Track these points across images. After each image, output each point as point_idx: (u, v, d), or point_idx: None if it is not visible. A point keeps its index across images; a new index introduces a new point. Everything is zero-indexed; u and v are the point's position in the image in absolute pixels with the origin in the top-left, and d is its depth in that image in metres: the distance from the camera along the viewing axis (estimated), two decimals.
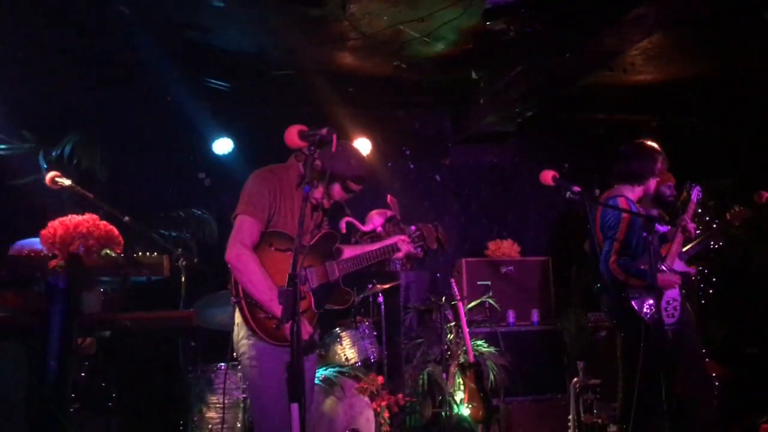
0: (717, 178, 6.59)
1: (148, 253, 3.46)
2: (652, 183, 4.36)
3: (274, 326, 2.88)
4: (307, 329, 2.94)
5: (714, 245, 6.48)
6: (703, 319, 6.31)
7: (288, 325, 2.81)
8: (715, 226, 5.33)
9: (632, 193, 4.29)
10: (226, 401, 4.74)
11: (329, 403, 4.63)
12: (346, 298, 3.18)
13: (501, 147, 6.86)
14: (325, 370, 4.80)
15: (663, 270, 4.40)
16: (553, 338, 6.08)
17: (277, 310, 2.83)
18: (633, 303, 4.01)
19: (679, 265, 4.97)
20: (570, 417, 3.44)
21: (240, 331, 3.00)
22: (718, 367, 5.84)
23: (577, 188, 3.70)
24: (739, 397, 5.57)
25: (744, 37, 5.14)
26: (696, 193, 4.82)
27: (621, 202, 4.16)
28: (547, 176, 3.69)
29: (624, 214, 4.09)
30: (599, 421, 3.23)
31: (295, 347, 2.06)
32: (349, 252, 3.27)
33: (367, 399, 4.71)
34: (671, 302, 4.24)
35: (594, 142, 6.84)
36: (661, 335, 3.71)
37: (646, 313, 3.86)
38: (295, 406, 1.96)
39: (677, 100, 6.36)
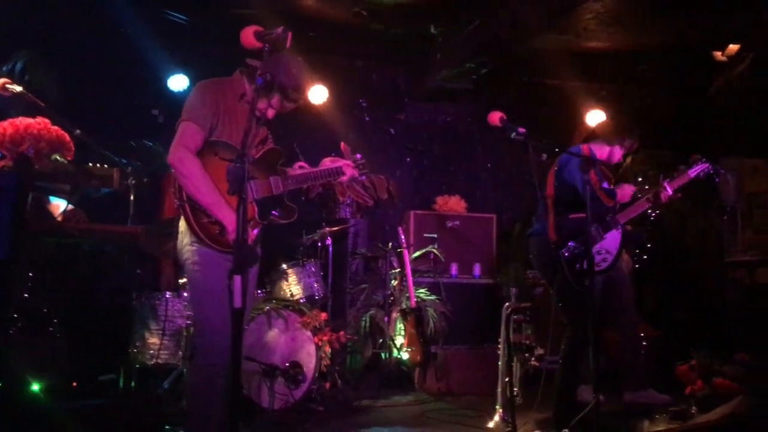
0: (659, 149, 6.86)
1: (98, 165, 3.47)
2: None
3: (218, 231, 2.94)
4: (249, 235, 3.01)
5: (652, 213, 6.76)
6: (637, 284, 6.59)
7: (231, 231, 2.90)
8: (647, 188, 5.55)
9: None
10: (168, 329, 4.79)
11: (272, 334, 4.71)
12: (290, 213, 3.26)
13: (456, 106, 6.97)
14: (271, 302, 4.89)
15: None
16: (492, 292, 6.30)
17: (220, 214, 2.90)
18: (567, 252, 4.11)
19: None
20: (501, 338, 3.60)
21: (184, 238, 3.05)
22: (650, 329, 6.12)
23: (522, 129, 3.84)
24: (666, 359, 5.84)
25: (695, 9, 5.35)
26: (696, 170, 4.74)
27: (584, 149, 4.30)
28: (495, 117, 3.82)
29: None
30: (527, 342, 3.40)
31: (240, 220, 2.13)
32: (294, 173, 3.35)
33: (309, 333, 4.81)
34: (602, 252, 4.32)
35: (546, 108, 7.01)
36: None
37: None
38: (238, 278, 2.04)
39: (627, 69, 6.56)
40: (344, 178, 3.47)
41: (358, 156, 3.54)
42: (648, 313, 6.40)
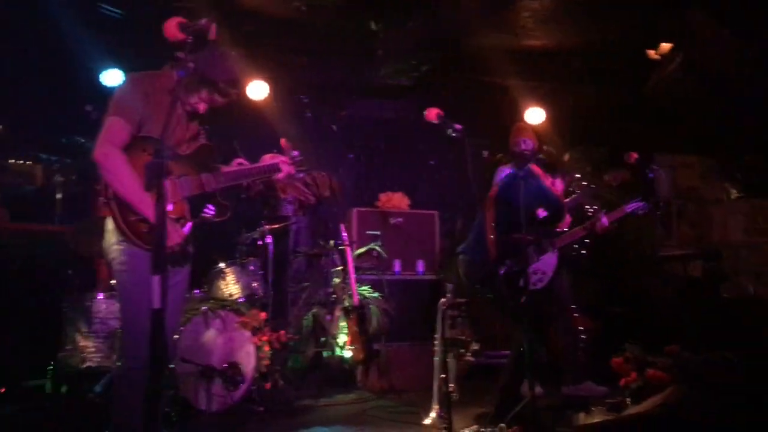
0: (595, 145, 7.00)
1: (21, 161, 3.32)
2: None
3: (146, 230, 2.85)
4: (179, 232, 2.94)
5: (589, 209, 6.89)
6: (576, 279, 6.71)
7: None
8: (584, 184, 5.67)
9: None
10: (102, 330, 4.65)
11: (209, 335, 4.61)
12: (224, 211, 3.19)
13: (398, 103, 6.97)
14: (208, 303, 4.79)
15: None
16: (436, 288, 6.30)
17: (148, 211, 2.81)
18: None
19: None
20: (437, 334, 3.60)
21: (111, 237, 2.95)
22: (587, 322, 6.24)
23: (459, 126, 3.87)
24: (604, 351, 5.96)
25: (628, 8, 5.46)
26: (632, 207, 5.01)
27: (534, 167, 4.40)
28: (432, 114, 3.84)
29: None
30: (463, 337, 3.42)
31: (159, 217, 2.06)
32: (227, 170, 3.28)
33: (248, 333, 4.74)
34: (538, 273, 4.41)
35: (487, 106, 7.07)
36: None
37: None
38: (156, 278, 1.97)
39: (565, 68, 6.66)
40: (280, 176, 3.42)
41: (295, 153, 3.49)
42: (586, 307, 6.52)
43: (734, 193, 7.34)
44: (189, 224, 3.09)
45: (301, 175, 3.59)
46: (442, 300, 3.54)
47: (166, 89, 3.02)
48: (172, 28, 2.51)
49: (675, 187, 7.30)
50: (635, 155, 5.25)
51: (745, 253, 6.89)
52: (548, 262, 4.41)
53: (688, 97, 6.28)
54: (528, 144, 5.27)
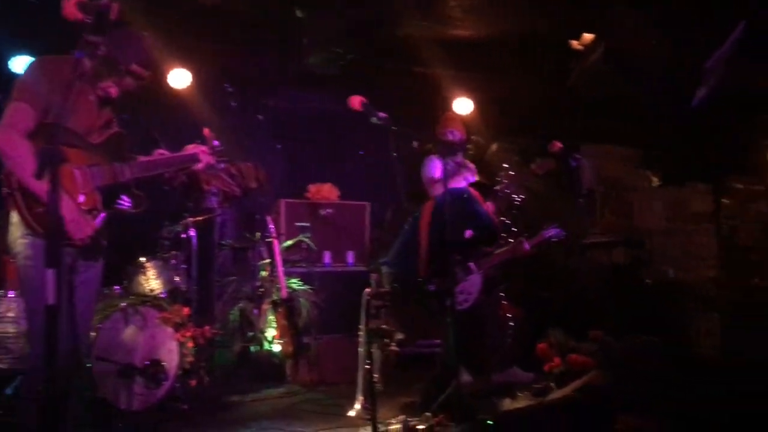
0: (522, 136, 7.10)
1: None
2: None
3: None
4: (91, 224, 2.81)
5: (517, 198, 7.00)
6: (504, 267, 6.80)
7: (69, 221, 2.69)
8: (511, 173, 5.75)
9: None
10: (15, 331, 4.43)
11: (129, 332, 4.45)
12: (140, 202, 3.07)
13: (326, 93, 6.87)
14: (127, 299, 4.62)
15: None
16: (366, 279, 6.26)
17: None
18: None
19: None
20: (361, 324, 3.58)
21: (16, 231, 2.80)
22: (515, 310, 6.33)
23: (383, 114, 3.85)
24: (531, 338, 6.06)
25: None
26: (550, 233, 5.26)
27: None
28: (356, 101, 3.80)
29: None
30: (386, 327, 3.41)
31: (53, 210, 1.94)
32: (143, 159, 3.16)
33: (170, 329, 4.61)
34: (464, 293, 4.52)
35: (416, 96, 7.07)
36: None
37: None
38: (50, 272, 1.85)
39: (491, 58, 6.72)
40: (200, 166, 3.32)
41: (215, 143, 3.39)
42: (514, 295, 6.63)
43: (655, 182, 7.58)
44: (101, 216, 2.96)
45: (223, 165, 3.51)
46: (366, 290, 3.51)
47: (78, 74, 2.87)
48: (70, 7, 2.39)
49: (598, 176, 7.47)
50: (559, 145, 5.35)
51: (665, 239, 7.13)
52: (473, 282, 4.54)
53: (610, 88, 6.42)
54: (456, 135, 5.35)
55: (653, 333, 4.89)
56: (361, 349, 3.75)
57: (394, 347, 3.58)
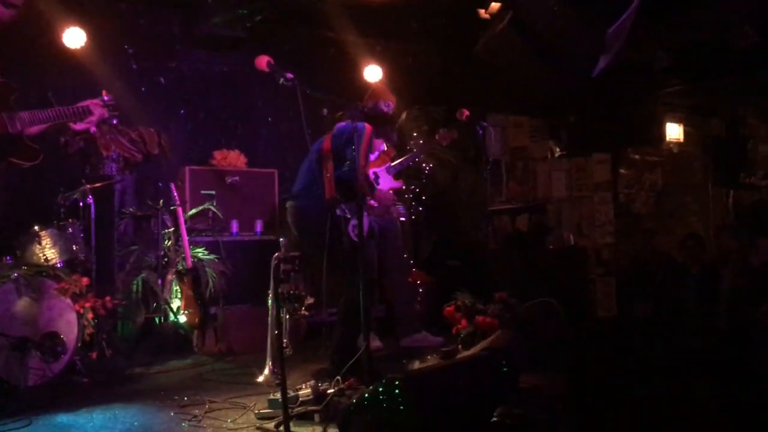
0: (431, 104, 7.17)
1: None
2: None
3: None
4: None
5: (426, 167, 7.11)
6: (413, 234, 6.92)
7: None
8: (420, 142, 5.83)
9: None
10: None
11: (23, 303, 4.23)
12: (34, 154, 2.91)
13: (233, 56, 6.71)
14: (20, 270, 4.39)
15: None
16: (275, 248, 6.19)
17: None
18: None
19: (387, 179, 5.41)
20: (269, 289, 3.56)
21: None
22: (424, 276, 6.47)
23: (290, 75, 3.79)
24: (439, 303, 6.22)
25: None
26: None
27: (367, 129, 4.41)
28: (262, 61, 3.73)
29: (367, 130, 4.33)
30: (296, 291, 3.40)
31: None
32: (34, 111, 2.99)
33: (68, 300, 4.42)
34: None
35: (326, 61, 7.01)
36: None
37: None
38: None
39: (401, 26, 6.73)
40: (93, 118, 3.17)
41: (106, 96, 3.24)
42: (423, 261, 6.76)
43: (558, 152, 7.86)
44: None
45: (116, 121, 3.36)
46: (276, 254, 3.48)
47: None
48: None
49: (505, 145, 7.69)
50: (467, 112, 5.44)
51: (567, 207, 7.43)
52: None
53: (515, 57, 6.55)
54: (390, 106, 5.35)
55: (555, 296, 5.11)
56: (269, 315, 3.71)
57: (304, 312, 3.56)
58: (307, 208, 4.30)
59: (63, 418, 3.71)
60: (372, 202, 5.20)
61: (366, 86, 5.98)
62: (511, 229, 7.16)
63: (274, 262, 3.35)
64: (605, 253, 7.17)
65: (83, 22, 5.64)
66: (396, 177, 5.53)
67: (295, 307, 3.47)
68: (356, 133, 3.84)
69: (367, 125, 4.41)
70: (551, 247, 6.93)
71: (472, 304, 4.71)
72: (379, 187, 5.31)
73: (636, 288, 6.95)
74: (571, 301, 5.59)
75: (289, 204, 4.44)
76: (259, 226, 6.25)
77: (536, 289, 5.33)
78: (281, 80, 3.70)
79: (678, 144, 8.39)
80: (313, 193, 4.23)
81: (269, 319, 3.74)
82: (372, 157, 5.43)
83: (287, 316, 3.61)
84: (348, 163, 4.04)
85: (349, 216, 4.13)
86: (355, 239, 4.32)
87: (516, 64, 6.59)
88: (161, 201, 5.53)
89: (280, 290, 3.29)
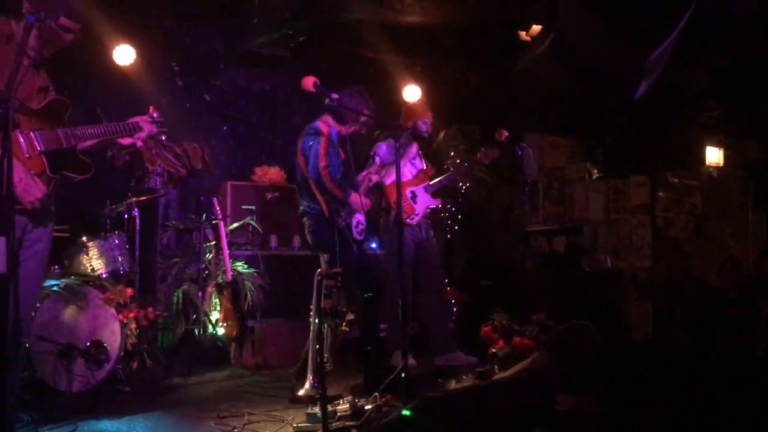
0: (468, 123, 7.21)
1: None
2: (352, 127, 4.79)
3: None
4: (40, 187, 2.77)
5: (462, 186, 7.13)
6: (448, 253, 6.94)
7: (17, 183, 2.63)
8: (458, 161, 5.87)
9: (333, 125, 4.73)
10: None
11: (70, 312, 4.37)
12: (86, 168, 3.02)
13: (274, 73, 6.86)
14: (68, 279, 4.52)
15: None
16: (313, 264, 6.26)
17: None
18: (342, 221, 4.54)
19: (425, 198, 5.46)
20: (312, 304, 3.62)
21: None
22: (457, 294, 6.48)
23: (335, 95, 3.87)
24: (473, 323, 6.22)
25: None
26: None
27: (321, 126, 4.65)
28: (309, 82, 3.81)
29: (324, 131, 4.59)
30: (337, 307, 3.45)
31: (7, 170, 1.90)
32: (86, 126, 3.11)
33: (113, 310, 4.52)
34: (360, 224, 4.78)
35: (364, 80, 7.09)
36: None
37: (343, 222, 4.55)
38: (2, 240, 1.81)
39: (440, 45, 6.80)
40: (142, 135, 3.27)
41: (154, 113, 3.35)
42: (457, 280, 6.77)
43: (595, 173, 7.83)
44: (50, 180, 2.90)
45: (164, 137, 3.47)
46: (318, 270, 3.54)
47: (3, 36, 2.80)
48: None
49: (542, 166, 7.68)
50: (506, 133, 5.48)
51: (604, 229, 7.39)
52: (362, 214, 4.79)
53: (555, 79, 6.57)
54: (428, 125, 5.48)
55: (591, 318, 5.08)
56: (311, 330, 3.78)
57: (345, 328, 3.62)
58: (320, 223, 4.62)
59: (107, 425, 3.81)
60: (410, 219, 5.27)
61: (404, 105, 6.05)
62: (547, 250, 7.13)
63: (317, 278, 3.40)
64: (642, 276, 7.10)
65: (132, 40, 5.81)
66: (434, 195, 5.60)
67: (337, 322, 3.53)
68: (397, 148, 3.93)
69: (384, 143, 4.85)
70: (587, 269, 6.89)
71: (509, 325, 4.71)
72: (416, 205, 5.39)
73: (672, 312, 6.87)
74: (607, 323, 5.56)
75: (305, 220, 4.75)
76: (296, 241, 6.33)
77: (572, 312, 5.31)
78: (327, 101, 3.78)
79: (717, 168, 8.29)
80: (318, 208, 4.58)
81: (311, 333, 3.79)
82: (410, 175, 5.52)
83: (328, 332, 3.67)
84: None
85: (347, 220, 4.44)
86: (360, 237, 4.72)
87: (555, 85, 6.61)
88: (203, 215, 5.66)
89: (322, 305, 3.34)
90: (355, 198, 4.61)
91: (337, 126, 4.71)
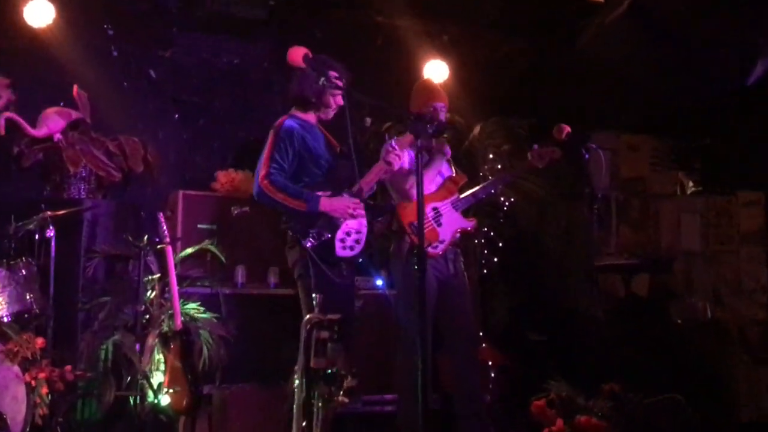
0: (514, 115, 7.19)
1: None
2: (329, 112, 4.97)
3: None
4: None
5: (504, 202, 7.10)
6: (483, 294, 6.90)
7: None
8: (498, 167, 5.86)
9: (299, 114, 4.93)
10: None
11: None
12: None
13: (247, 43, 6.88)
14: None
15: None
16: (296, 307, 6.23)
17: None
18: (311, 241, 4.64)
19: (453, 217, 5.41)
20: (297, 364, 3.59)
21: None
22: (497, 355, 6.42)
23: (334, 73, 3.86)
24: (518, 392, 6.16)
25: None
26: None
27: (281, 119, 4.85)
28: (297, 54, 3.82)
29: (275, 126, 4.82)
30: (335, 369, 3.37)
31: None
32: None
33: (16, 368, 4.55)
34: (351, 234, 4.81)
35: (372, 53, 7.10)
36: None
37: (309, 243, 4.63)
38: None
39: (478, 9, 6.80)
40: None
41: (77, 92, 3.33)
42: (496, 334, 6.71)
43: (690, 187, 7.80)
44: None
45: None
46: (308, 316, 3.51)
47: None
48: None
49: (616, 175, 7.65)
50: (568, 129, 5.43)
51: (702, 264, 7.35)
52: (360, 220, 4.85)
53: (635, 57, 6.56)
54: (444, 111, 5.44)
55: (684, 389, 5.04)
56: (296, 399, 3.74)
57: (343, 398, 3.55)
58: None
59: None
60: (432, 248, 5.21)
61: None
62: (623, 293, 7.09)
63: (305, 328, 3.37)
64: (754, 332, 7.05)
65: None
66: (465, 214, 5.54)
67: (332, 391, 3.47)
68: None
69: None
70: (679, 320, 6.84)
71: (570, 399, 4.67)
72: (440, 228, 5.34)
73: None
74: (705, 397, 5.51)
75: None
76: (273, 275, 6.29)
77: (658, 381, 5.25)
78: (321, 81, 3.77)
79: None
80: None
81: (294, 405, 3.75)
82: (432, 185, 5.48)
83: (320, 404, 3.61)
84: None
85: (325, 237, 4.58)
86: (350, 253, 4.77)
87: (634, 64, 6.60)
88: (144, 237, 5.62)
89: (313, 366, 3.31)
90: (332, 203, 4.69)
91: (304, 113, 4.88)
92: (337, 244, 4.71)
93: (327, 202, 4.68)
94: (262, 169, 4.66)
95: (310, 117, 4.91)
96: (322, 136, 5.03)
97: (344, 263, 4.77)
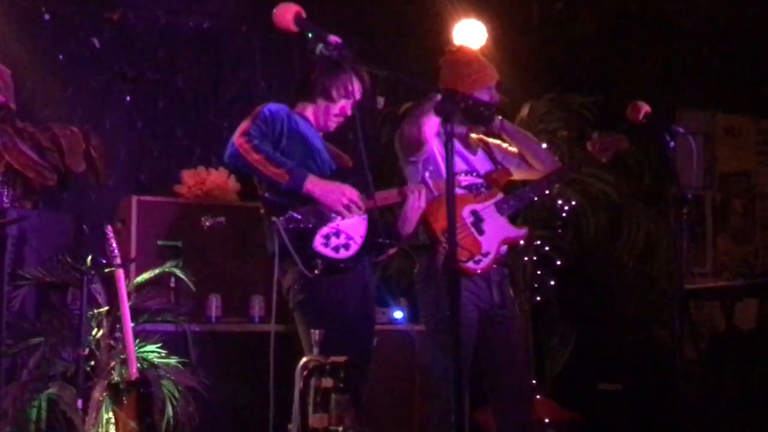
0: (574, 92, 7.19)
1: None
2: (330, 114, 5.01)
3: None
4: None
5: (564, 205, 7.10)
6: (537, 330, 6.90)
7: None
8: (557, 159, 5.85)
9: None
10: None
11: None
12: None
13: (219, 2, 6.92)
14: None
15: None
16: (287, 346, 6.25)
17: None
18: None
19: (499, 224, 5.39)
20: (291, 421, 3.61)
21: None
22: (557, 409, 6.43)
23: (335, 39, 3.86)
24: None
25: None
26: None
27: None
28: (287, 14, 3.80)
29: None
30: (340, 428, 3.37)
31: None
32: None
33: None
34: (341, 236, 4.78)
35: (385, 17, 7.13)
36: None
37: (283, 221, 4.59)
38: None
39: None
40: None
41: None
42: (555, 381, 6.71)
43: None
44: None
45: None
46: (305, 358, 3.53)
47: None
48: None
49: (712, 168, 7.65)
50: (647, 108, 5.43)
51: None
52: (356, 226, 4.82)
53: (736, 12, 6.57)
54: (493, 95, 5.44)
55: None
56: None
57: None
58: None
59: None
60: (472, 264, 5.19)
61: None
62: (723, 325, 7.07)
63: (301, 374, 3.39)
64: None
65: None
66: (512, 221, 5.53)
67: None
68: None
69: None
70: None
71: None
72: (482, 237, 5.31)
73: None
74: None
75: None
76: (256, 305, 6.33)
77: None
78: (319, 48, 3.77)
79: None
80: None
81: None
82: (465, 183, 5.48)
83: None
84: None
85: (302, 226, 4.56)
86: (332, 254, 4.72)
87: (734, 22, 6.60)
88: (88, 258, 5.65)
89: (312, 426, 3.32)
90: (322, 186, 4.68)
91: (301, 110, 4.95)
92: (317, 238, 4.70)
93: (316, 183, 4.63)
94: (239, 129, 4.62)
95: (308, 114, 4.91)
96: (323, 144, 5.02)
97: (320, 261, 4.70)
